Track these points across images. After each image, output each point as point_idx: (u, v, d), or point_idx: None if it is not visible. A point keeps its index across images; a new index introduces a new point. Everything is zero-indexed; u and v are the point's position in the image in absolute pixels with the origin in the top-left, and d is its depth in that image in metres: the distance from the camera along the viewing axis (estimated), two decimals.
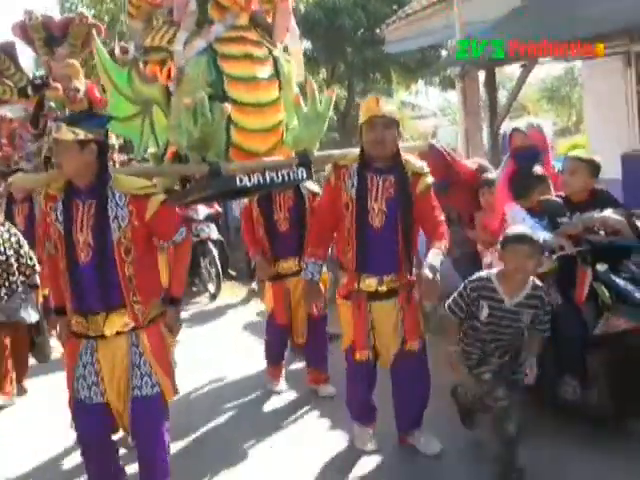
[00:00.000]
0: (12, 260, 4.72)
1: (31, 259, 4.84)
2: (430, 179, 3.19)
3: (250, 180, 2.93)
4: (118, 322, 2.71)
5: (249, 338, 5.97)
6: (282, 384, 4.62)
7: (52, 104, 5.33)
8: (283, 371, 4.69)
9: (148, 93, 3.20)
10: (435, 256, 2.95)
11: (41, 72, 5.98)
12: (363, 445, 3.44)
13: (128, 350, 2.73)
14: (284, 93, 3.15)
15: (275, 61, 3.13)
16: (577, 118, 25.81)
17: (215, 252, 7.80)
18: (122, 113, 3.27)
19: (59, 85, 5.42)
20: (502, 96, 10.17)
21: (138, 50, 3.20)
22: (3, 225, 4.82)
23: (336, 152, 3.46)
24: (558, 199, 3.43)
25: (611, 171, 4.49)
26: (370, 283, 3.17)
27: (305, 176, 3.10)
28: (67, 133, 2.59)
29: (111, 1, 18.18)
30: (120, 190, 2.70)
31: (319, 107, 3.13)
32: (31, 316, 4.85)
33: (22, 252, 4.81)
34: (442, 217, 3.22)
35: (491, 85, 7.99)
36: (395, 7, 14.98)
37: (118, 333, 2.72)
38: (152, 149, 3.35)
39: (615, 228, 3.16)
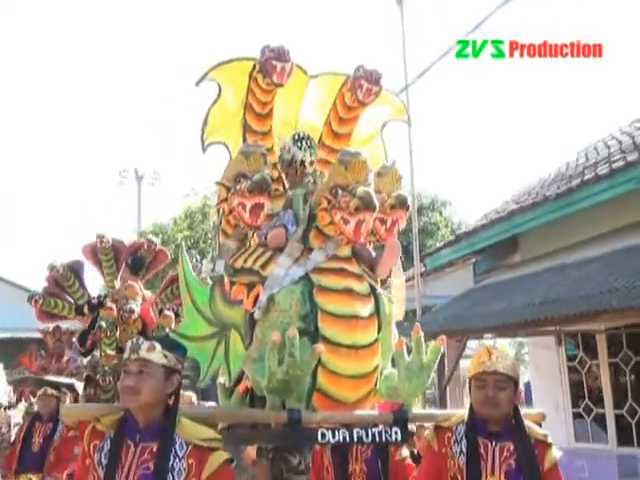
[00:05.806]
0: None
1: None
2: (558, 453, 2.54)
3: (334, 436, 2.57)
4: None
5: None
6: None
7: (103, 324, 5.79)
8: None
9: (229, 316, 3.02)
10: None
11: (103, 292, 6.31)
12: None
13: None
14: (382, 335, 2.82)
15: (377, 298, 2.82)
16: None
17: None
18: (196, 332, 3.09)
19: (114, 305, 5.88)
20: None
21: (227, 270, 3.02)
22: None
23: (438, 412, 3.06)
24: None
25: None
26: None
27: (400, 438, 2.67)
28: (159, 355, 2.20)
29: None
30: (182, 437, 2.20)
31: (424, 357, 2.73)
32: None
33: None
34: None
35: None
36: None
37: None
38: (221, 379, 3.12)
39: None
